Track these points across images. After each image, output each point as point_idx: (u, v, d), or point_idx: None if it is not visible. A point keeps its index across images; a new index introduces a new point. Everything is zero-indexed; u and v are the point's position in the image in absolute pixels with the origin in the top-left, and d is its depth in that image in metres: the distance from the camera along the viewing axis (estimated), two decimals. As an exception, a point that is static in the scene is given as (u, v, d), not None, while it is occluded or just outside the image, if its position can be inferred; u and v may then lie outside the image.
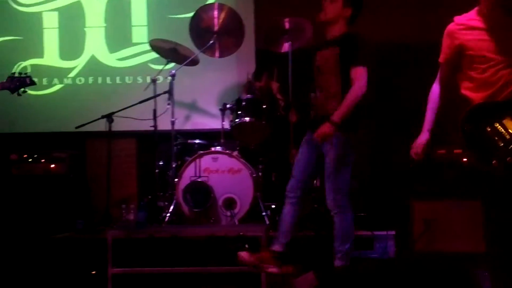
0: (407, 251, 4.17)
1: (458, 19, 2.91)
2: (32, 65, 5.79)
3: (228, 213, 4.54)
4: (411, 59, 5.35)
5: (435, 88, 3.05)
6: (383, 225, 4.32)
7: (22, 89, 3.70)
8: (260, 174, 4.79)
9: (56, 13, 5.82)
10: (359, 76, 3.39)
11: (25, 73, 3.77)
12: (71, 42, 5.80)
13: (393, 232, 4.28)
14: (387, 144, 5.27)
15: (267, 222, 4.49)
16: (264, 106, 4.71)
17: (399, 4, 5.42)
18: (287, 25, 4.76)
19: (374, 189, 5.04)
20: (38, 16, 5.84)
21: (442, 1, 5.06)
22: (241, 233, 4.02)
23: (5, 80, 3.66)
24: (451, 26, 2.92)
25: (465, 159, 3.47)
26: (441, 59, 2.98)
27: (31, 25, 5.84)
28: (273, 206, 4.68)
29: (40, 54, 5.81)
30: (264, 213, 4.57)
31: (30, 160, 5.35)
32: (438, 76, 3.04)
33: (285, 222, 3.61)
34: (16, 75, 3.72)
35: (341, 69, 3.43)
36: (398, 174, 4.70)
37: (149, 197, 4.95)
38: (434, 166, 4.25)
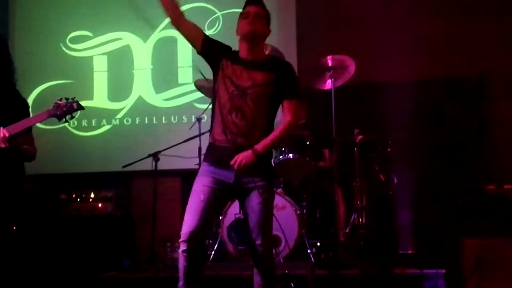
0: (458, 290, 4.03)
1: None
2: (82, 107, 5.97)
3: (273, 251, 4.49)
4: (450, 95, 5.33)
5: None
6: (433, 263, 4.19)
7: (69, 116, 3.41)
8: (304, 211, 4.75)
9: (105, 57, 6.05)
10: (296, 109, 3.08)
11: (72, 98, 3.44)
12: (120, 84, 5.99)
13: (443, 271, 4.13)
14: (436, 180, 5.17)
15: (313, 259, 4.41)
16: (307, 143, 4.70)
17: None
18: (330, 63, 4.79)
19: (423, 226, 4.92)
20: (89, 60, 6.08)
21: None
22: (286, 271, 3.96)
23: (51, 108, 3.38)
24: None
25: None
26: None
27: (82, 69, 6.08)
28: (318, 244, 4.61)
29: (90, 96, 6.02)
30: (309, 251, 4.50)
31: (78, 199, 5.47)
32: None
33: None
34: (63, 101, 3.41)
35: (273, 99, 3.05)
36: (448, 211, 4.59)
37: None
38: (484, 202, 4.13)
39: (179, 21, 3.03)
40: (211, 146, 3.09)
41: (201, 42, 3.05)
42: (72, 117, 3.46)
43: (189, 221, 2.96)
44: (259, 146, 2.95)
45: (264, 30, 3.10)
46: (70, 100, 3.40)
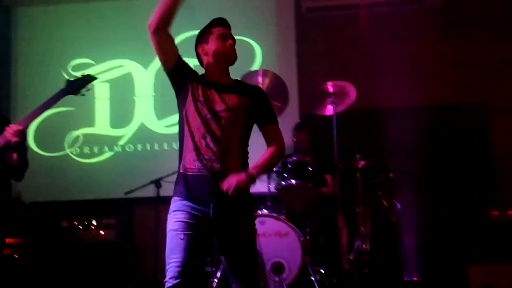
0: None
1: None
2: (84, 134, 6.01)
3: (277, 278, 4.45)
4: (454, 120, 5.36)
5: None
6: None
7: (86, 88, 3.30)
8: (307, 237, 4.72)
9: (107, 84, 6.08)
10: (280, 133, 2.93)
11: (82, 74, 3.38)
12: (121, 111, 6.01)
13: (449, 298, 4.11)
14: (441, 206, 5.16)
15: (316, 287, 4.38)
16: (310, 168, 4.70)
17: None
18: (330, 89, 4.82)
19: (428, 252, 4.89)
20: (90, 87, 6.08)
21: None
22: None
23: (63, 87, 3.27)
24: None
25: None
26: None
27: (83, 96, 6.04)
28: (322, 271, 4.57)
29: (91, 123, 6.04)
30: (313, 278, 4.46)
31: (81, 227, 5.45)
32: None
33: None
34: (73, 78, 3.33)
35: (247, 125, 2.88)
36: (453, 238, 4.57)
37: (197, 262, 4.91)
38: (489, 228, 4.12)
39: (163, 28, 2.77)
40: (183, 177, 2.79)
41: (175, 59, 2.85)
42: (88, 89, 3.35)
43: (172, 266, 2.69)
44: (253, 169, 2.75)
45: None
46: (81, 76, 3.32)
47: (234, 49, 2.90)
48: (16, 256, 5.17)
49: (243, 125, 2.84)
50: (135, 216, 5.86)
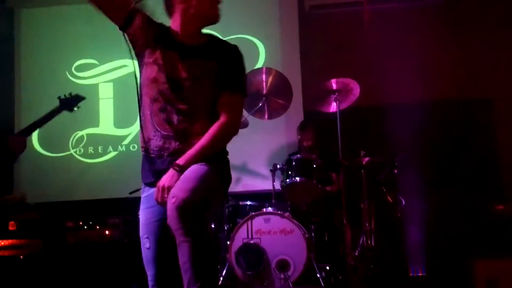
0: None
1: None
2: (88, 134, 6.02)
3: (282, 276, 4.45)
4: (458, 116, 5.36)
5: None
6: (444, 285, 4.15)
7: (77, 106, 4.04)
8: (312, 234, 4.72)
9: (111, 84, 6.09)
10: (235, 107, 2.42)
11: (70, 93, 4.13)
12: (125, 111, 6.01)
13: (454, 293, 4.11)
14: (445, 201, 5.15)
15: (322, 284, 4.37)
16: (314, 166, 4.70)
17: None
18: (334, 86, 4.81)
19: (433, 248, 4.88)
20: (94, 87, 6.12)
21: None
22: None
23: (59, 105, 3.99)
24: None
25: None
26: None
27: (87, 96, 6.06)
28: (328, 267, 4.57)
29: (95, 124, 6.05)
30: (318, 275, 4.46)
31: (86, 227, 5.45)
32: None
33: None
34: (65, 96, 4.08)
35: (216, 94, 2.40)
36: (458, 233, 4.56)
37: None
38: (494, 223, 4.11)
39: None
40: (143, 158, 2.42)
41: (124, 13, 2.42)
42: (79, 107, 4.09)
43: (149, 285, 2.42)
44: (181, 160, 2.27)
45: (201, 7, 2.43)
46: (71, 95, 3.96)
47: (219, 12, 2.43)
48: (21, 257, 5.18)
49: (211, 95, 2.39)
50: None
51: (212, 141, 2.32)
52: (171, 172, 2.25)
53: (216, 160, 2.34)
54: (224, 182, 2.40)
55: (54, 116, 3.88)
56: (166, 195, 2.19)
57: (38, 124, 3.75)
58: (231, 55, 2.43)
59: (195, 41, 2.43)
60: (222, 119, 2.36)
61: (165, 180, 2.24)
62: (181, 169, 2.24)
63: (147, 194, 2.41)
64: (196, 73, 2.36)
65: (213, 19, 2.44)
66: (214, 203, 2.30)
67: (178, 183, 2.19)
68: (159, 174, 2.32)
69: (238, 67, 2.44)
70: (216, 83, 2.38)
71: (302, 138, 5.20)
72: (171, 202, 2.12)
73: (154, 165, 2.37)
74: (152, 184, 2.37)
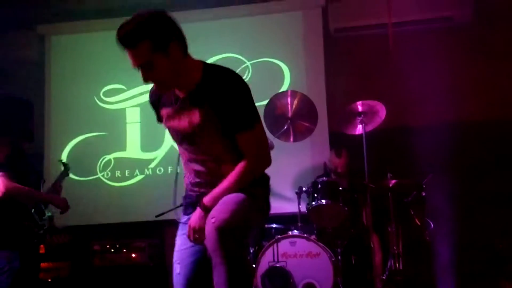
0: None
1: None
2: (115, 158, 6.09)
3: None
4: (486, 137, 5.29)
5: None
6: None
7: (63, 180, 4.32)
8: (339, 257, 4.66)
9: (138, 109, 6.17)
10: (252, 145, 2.38)
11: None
12: (152, 135, 6.07)
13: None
14: (474, 224, 5.06)
15: (350, 308, 4.31)
16: (340, 188, 4.66)
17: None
18: (360, 108, 4.80)
19: (464, 271, 4.77)
20: (121, 112, 6.20)
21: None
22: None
23: (62, 170, 4.34)
24: None
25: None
26: None
27: (115, 121, 6.20)
28: (355, 292, 4.51)
29: (123, 147, 6.12)
30: (345, 299, 4.40)
31: (112, 250, 5.49)
32: None
33: None
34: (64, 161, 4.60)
35: (224, 133, 2.37)
36: (488, 255, 4.46)
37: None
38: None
39: None
40: (185, 193, 2.59)
41: None
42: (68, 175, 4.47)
43: None
44: (206, 199, 2.32)
45: (161, 71, 2.30)
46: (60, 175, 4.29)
47: (148, 78, 2.39)
48: (49, 280, 5.23)
49: (218, 137, 2.35)
50: (166, 238, 5.86)
51: (235, 183, 2.33)
52: (199, 213, 2.33)
53: (255, 189, 2.38)
54: (261, 212, 2.45)
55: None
56: (197, 236, 2.30)
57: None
58: (221, 96, 2.29)
59: (186, 89, 2.37)
60: (244, 159, 2.35)
61: (193, 221, 2.32)
62: (207, 210, 2.29)
63: (181, 224, 2.54)
64: (196, 121, 2.34)
65: (158, 86, 2.43)
66: (252, 230, 2.40)
67: (217, 206, 2.26)
68: (190, 209, 2.47)
69: (235, 103, 2.29)
70: (216, 125, 2.33)
71: (336, 164, 5.14)
72: (210, 223, 2.19)
73: (187, 201, 2.55)
74: (187, 213, 2.51)
